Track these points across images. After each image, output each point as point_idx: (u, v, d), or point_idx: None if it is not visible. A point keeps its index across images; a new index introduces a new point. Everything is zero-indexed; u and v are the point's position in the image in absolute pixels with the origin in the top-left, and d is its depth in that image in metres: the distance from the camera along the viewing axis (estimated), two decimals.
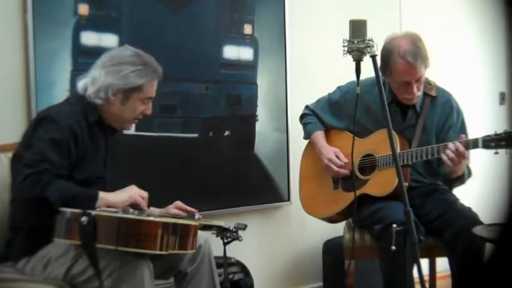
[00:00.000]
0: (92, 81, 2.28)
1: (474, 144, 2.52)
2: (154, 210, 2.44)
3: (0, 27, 2.69)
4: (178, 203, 2.47)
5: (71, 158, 2.18)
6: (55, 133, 2.16)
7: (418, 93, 2.73)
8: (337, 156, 2.90)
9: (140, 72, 2.27)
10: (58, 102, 2.55)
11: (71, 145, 2.18)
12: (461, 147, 2.53)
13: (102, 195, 2.14)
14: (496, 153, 2.46)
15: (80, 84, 2.32)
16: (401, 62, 2.64)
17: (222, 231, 2.42)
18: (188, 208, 2.47)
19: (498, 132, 2.47)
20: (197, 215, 2.46)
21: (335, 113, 3.01)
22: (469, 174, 2.78)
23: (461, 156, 2.53)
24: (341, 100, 2.97)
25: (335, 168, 2.88)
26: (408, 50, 2.63)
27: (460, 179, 2.74)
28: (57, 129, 2.17)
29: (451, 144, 2.55)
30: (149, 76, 2.29)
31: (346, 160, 2.87)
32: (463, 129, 2.83)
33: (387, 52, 2.68)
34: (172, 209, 2.45)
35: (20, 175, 2.09)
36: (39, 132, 2.17)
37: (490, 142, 2.46)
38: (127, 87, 2.27)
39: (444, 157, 2.55)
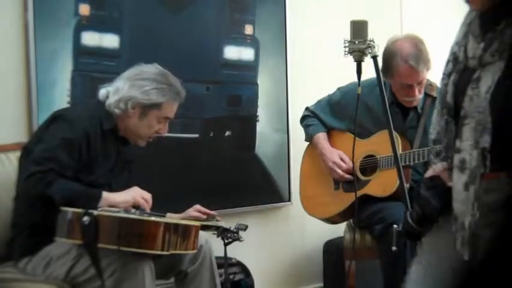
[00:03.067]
0: (115, 91, 2.32)
1: None
2: (172, 215, 2.45)
3: (0, 27, 2.68)
4: (198, 206, 2.51)
5: (80, 160, 2.19)
6: (68, 133, 2.17)
7: (419, 95, 2.73)
8: (342, 159, 2.90)
9: (163, 91, 2.31)
10: (59, 102, 2.56)
11: (83, 147, 2.19)
12: None
13: (105, 195, 2.14)
14: None
15: (102, 91, 2.36)
16: (403, 65, 2.64)
17: (222, 232, 2.42)
18: (208, 211, 2.49)
19: None
20: (217, 217, 2.49)
21: (335, 114, 3.01)
22: None
23: None
24: (341, 101, 2.97)
25: (340, 172, 2.88)
26: (411, 53, 2.63)
27: None
28: (71, 130, 2.18)
29: None
30: (170, 96, 2.33)
31: (351, 164, 2.87)
32: None
33: (390, 54, 2.68)
34: (192, 212, 2.47)
35: (26, 172, 2.10)
36: (53, 129, 2.19)
37: None
38: (147, 102, 2.30)
39: None
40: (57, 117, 2.23)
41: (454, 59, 1.73)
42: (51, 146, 2.13)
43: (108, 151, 2.32)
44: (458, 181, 1.62)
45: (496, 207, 1.57)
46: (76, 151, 2.17)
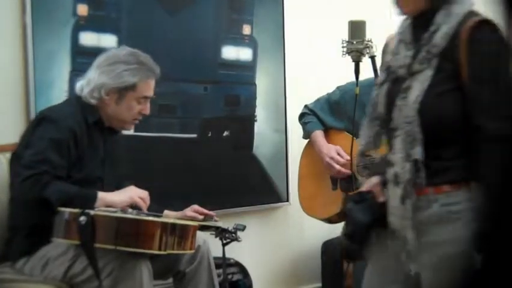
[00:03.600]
0: (87, 82, 2.30)
1: None
2: (169, 213, 2.45)
3: None
4: (195, 206, 2.50)
5: (70, 158, 2.18)
6: (55, 133, 2.16)
7: None
8: (339, 154, 2.90)
9: (134, 71, 2.27)
10: (57, 102, 2.55)
11: (71, 145, 2.18)
12: None
13: (101, 195, 2.14)
14: None
15: (78, 85, 2.34)
16: None
17: (220, 232, 2.42)
18: (205, 211, 2.48)
19: None
20: (215, 218, 2.48)
21: (334, 113, 3.01)
22: None
23: None
24: (340, 100, 2.97)
25: (337, 166, 2.88)
26: None
27: None
28: (57, 130, 2.17)
29: None
30: (143, 75, 2.29)
31: (348, 157, 2.86)
32: None
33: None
34: (188, 212, 2.47)
35: (20, 176, 2.09)
36: (39, 132, 2.18)
37: None
38: (121, 86, 2.27)
39: None
40: (41, 120, 2.22)
41: (386, 68, 1.68)
42: (41, 149, 2.13)
43: (95, 144, 2.31)
44: (393, 195, 1.58)
45: (428, 222, 1.55)
46: (65, 150, 2.16)
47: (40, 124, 2.21)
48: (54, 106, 2.38)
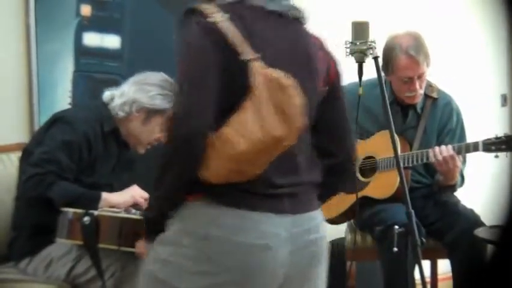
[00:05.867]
0: (120, 94, 2.32)
1: (474, 147, 2.52)
2: None
3: (2, 28, 2.69)
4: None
5: (81, 162, 2.19)
6: (68, 135, 2.17)
7: (420, 90, 2.72)
8: None
9: (167, 97, 2.30)
10: (60, 103, 2.57)
11: (83, 150, 2.20)
12: (450, 151, 2.53)
13: (105, 195, 2.14)
14: (496, 156, 2.46)
15: (107, 93, 2.36)
16: (403, 57, 2.64)
17: None
18: None
19: (498, 135, 2.47)
20: None
21: None
22: (462, 182, 2.77)
23: (450, 161, 2.53)
24: None
25: None
26: (411, 45, 2.64)
27: (452, 187, 2.73)
28: (71, 132, 2.19)
29: (436, 148, 2.56)
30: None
31: None
32: (461, 133, 2.82)
33: (389, 49, 2.68)
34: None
35: (26, 174, 2.10)
36: (53, 132, 2.20)
37: (491, 146, 2.46)
38: (151, 108, 2.30)
39: (432, 157, 2.56)
40: (57, 120, 2.24)
41: None
42: (51, 148, 2.14)
43: (109, 152, 2.32)
44: None
45: None
46: (76, 153, 2.17)
47: (55, 124, 2.22)
48: (72, 108, 2.41)
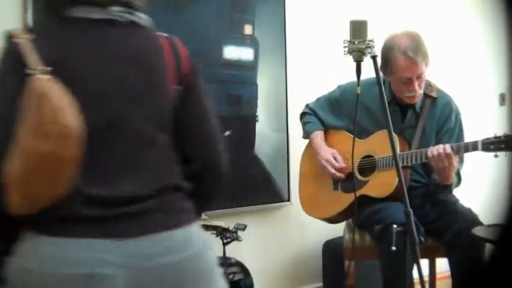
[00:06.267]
0: None
1: (473, 147, 2.52)
2: None
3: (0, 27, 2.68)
4: None
5: None
6: None
7: (419, 91, 2.72)
8: (334, 158, 2.90)
9: None
10: None
11: None
12: (447, 150, 2.53)
13: None
14: (496, 156, 2.46)
15: None
16: (401, 57, 2.64)
17: (221, 232, 2.43)
18: None
19: (498, 135, 2.46)
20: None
21: (334, 112, 3.01)
22: (458, 182, 2.77)
23: (446, 159, 2.53)
24: (340, 98, 2.97)
25: (331, 170, 2.88)
26: (409, 45, 2.64)
27: (448, 187, 2.72)
28: None
29: (440, 146, 2.56)
30: None
31: (343, 165, 2.87)
32: (460, 133, 2.82)
33: (388, 49, 2.68)
34: None
35: None
36: None
37: (489, 145, 2.46)
38: None
39: (429, 155, 2.56)
40: None
41: None
42: None
43: None
44: None
45: None
46: None
47: None
48: None
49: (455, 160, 2.57)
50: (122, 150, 1.38)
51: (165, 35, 1.52)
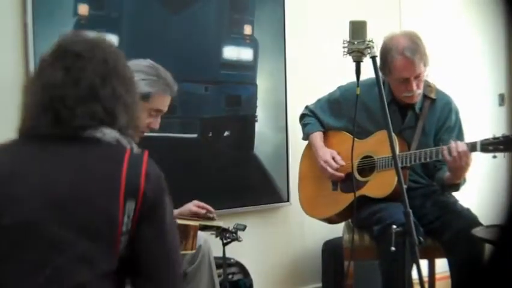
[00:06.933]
0: None
1: (472, 147, 2.51)
2: None
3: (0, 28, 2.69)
4: (196, 201, 2.49)
5: None
6: None
7: (418, 91, 2.72)
8: (333, 158, 2.90)
9: (151, 82, 2.26)
10: None
11: None
12: (463, 147, 2.50)
13: None
14: (494, 157, 2.45)
15: None
16: (399, 58, 2.65)
17: (221, 232, 2.43)
18: (207, 206, 2.48)
19: (496, 136, 2.46)
20: (214, 215, 2.48)
21: (334, 113, 3.01)
22: (464, 181, 2.77)
23: (464, 157, 2.50)
24: (340, 98, 2.97)
25: (330, 170, 2.88)
26: (406, 46, 2.64)
27: (456, 186, 2.71)
28: None
29: (452, 143, 2.53)
30: (160, 88, 2.28)
31: (342, 163, 2.88)
32: (459, 132, 2.82)
33: (386, 50, 2.69)
34: (193, 207, 2.46)
35: None
36: None
37: (488, 146, 2.45)
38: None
39: (446, 156, 2.53)
40: None
41: None
42: None
43: None
44: None
45: None
46: None
47: None
48: None
49: (471, 158, 2.54)
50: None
51: (134, 149, 1.49)
